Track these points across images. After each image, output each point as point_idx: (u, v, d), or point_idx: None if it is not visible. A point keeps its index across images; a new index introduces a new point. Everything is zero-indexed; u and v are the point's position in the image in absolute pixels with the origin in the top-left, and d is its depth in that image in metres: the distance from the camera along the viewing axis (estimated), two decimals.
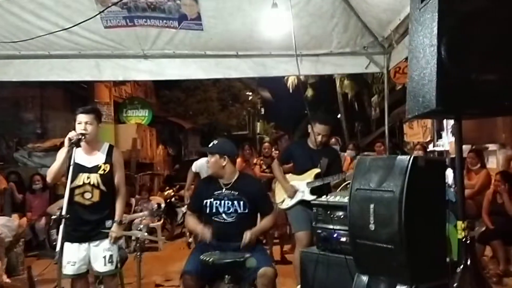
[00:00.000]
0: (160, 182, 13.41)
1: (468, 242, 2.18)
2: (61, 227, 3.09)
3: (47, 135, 11.08)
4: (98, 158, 3.70)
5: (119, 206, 3.73)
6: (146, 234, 4.12)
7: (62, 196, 3.58)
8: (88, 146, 3.65)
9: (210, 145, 3.77)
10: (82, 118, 3.58)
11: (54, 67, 5.21)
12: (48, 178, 3.70)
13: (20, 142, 10.62)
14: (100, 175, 3.65)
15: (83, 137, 3.47)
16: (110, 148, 3.80)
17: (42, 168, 9.58)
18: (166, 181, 12.60)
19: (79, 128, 3.54)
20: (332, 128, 4.59)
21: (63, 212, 3.10)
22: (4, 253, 5.81)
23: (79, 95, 11.82)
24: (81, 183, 3.59)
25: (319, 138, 4.49)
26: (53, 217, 3.09)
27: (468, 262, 2.15)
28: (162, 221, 8.73)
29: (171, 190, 10.42)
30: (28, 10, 4.57)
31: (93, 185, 3.62)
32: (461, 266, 2.17)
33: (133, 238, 4.90)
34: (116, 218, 3.68)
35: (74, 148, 3.37)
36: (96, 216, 3.64)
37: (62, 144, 5.30)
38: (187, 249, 4.37)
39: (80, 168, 3.54)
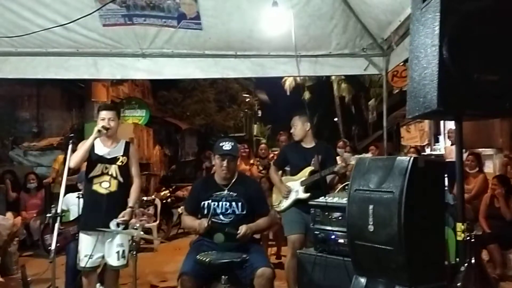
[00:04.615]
0: (156, 182, 13.35)
1: (472, 241, 2.17)
2: (56, 225, 3.09)
3: (43, 134, 11.01)
4: (116, 150, 3.96)
5: (133, 194, 3.98)
6: (142, 233, 4.09)
7: (58, 195, 3.60)
8: (108, 139, 3.94)
9: (230, 148, 3.63)
10: (105, 114, 3.90)
11: (51, 64, 5.19)
12: (72, 164, 3.79)
13: (16, 141, 10.58)
14: (118, 166, 3.90)
15: (106, 131, 3.81)
16: (127, 143, 4.11)
17: (37, 167, 9.54)
18: (163, 182, 12.55)
19: (103, 123, 3.86)
20: (306, 119, 4.59)
21: (58, 210, 3.11)
22: None
23: (76, 94, 11.76)
24: (99, 172, 3.85)
25: (291, 130, 4.66)
26: (48, 215, 3.06)
27: (473, 261, 2.14)
28: (158, 221, 8.68)
29: (167, 191, 10.37)
30: (26, 7, 4.55)
31: (111, 175, 3.86)
32: (465, 265, 2.15)
33: (128, 237, 4.85)
34: (130, 204, 3.90)
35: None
36: (112, 205, 3.82)
37: (58, 143, 5.27)
38: (183, 250, 4.31)
39: (99, 159, 3.85)
